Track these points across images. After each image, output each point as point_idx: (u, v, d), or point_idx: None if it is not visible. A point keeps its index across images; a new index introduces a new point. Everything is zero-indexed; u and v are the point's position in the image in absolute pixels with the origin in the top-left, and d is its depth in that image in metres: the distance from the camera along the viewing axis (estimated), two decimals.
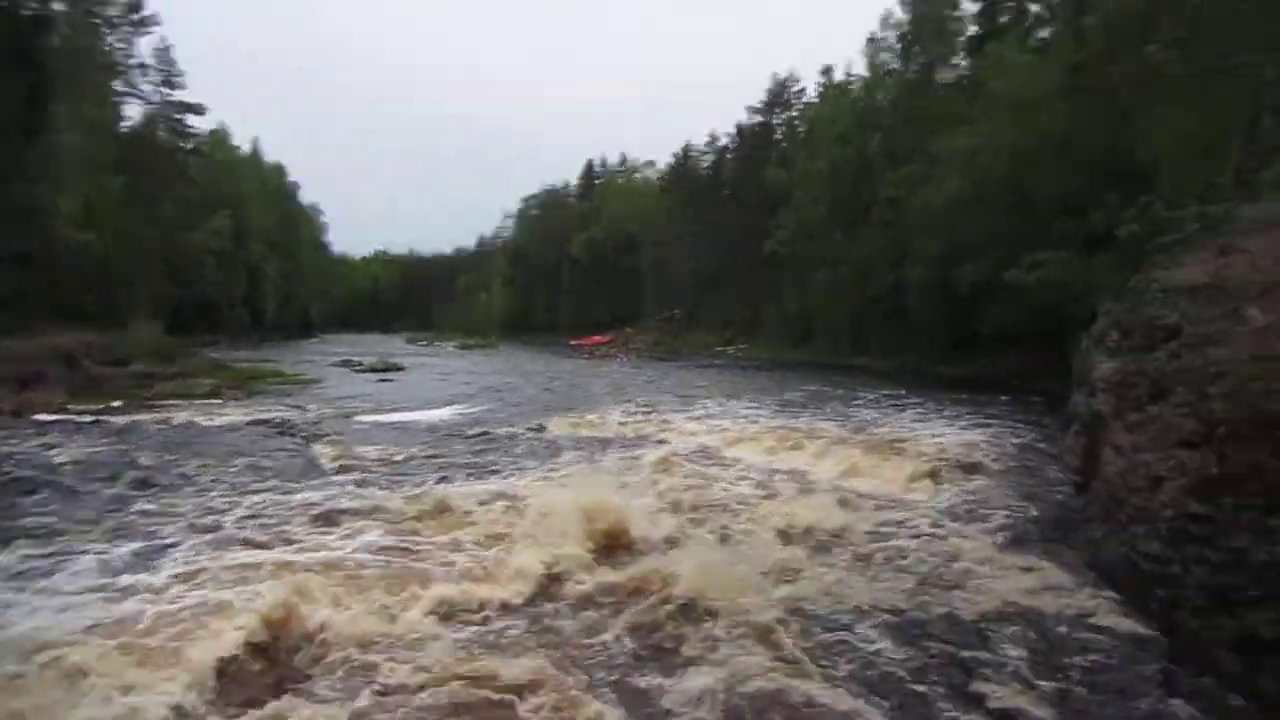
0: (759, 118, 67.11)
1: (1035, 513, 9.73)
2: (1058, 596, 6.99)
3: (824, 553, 8.50)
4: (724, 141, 72.05)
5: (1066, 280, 11.97)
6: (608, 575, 7.65)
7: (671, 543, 8.59)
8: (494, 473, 12.32)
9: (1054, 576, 7.42)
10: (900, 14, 44.64)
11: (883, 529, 9.33)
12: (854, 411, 19.44)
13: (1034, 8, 36.92)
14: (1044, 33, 34.21)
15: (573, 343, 65.66)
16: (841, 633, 6.50)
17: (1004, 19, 38.75)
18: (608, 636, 6.47)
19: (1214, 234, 7.39)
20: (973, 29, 41.11)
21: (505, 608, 6.98)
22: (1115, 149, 22.85)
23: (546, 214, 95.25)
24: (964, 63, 41.15)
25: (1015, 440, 14.73)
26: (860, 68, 49.67)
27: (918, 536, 9.00)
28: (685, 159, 75.57)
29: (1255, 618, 5.22)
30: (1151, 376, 6.30)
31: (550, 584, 7.47)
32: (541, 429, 17.08)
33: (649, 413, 19.60)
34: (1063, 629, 6.43)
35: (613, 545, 8.41)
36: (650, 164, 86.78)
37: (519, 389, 27.53)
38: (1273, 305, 5.53)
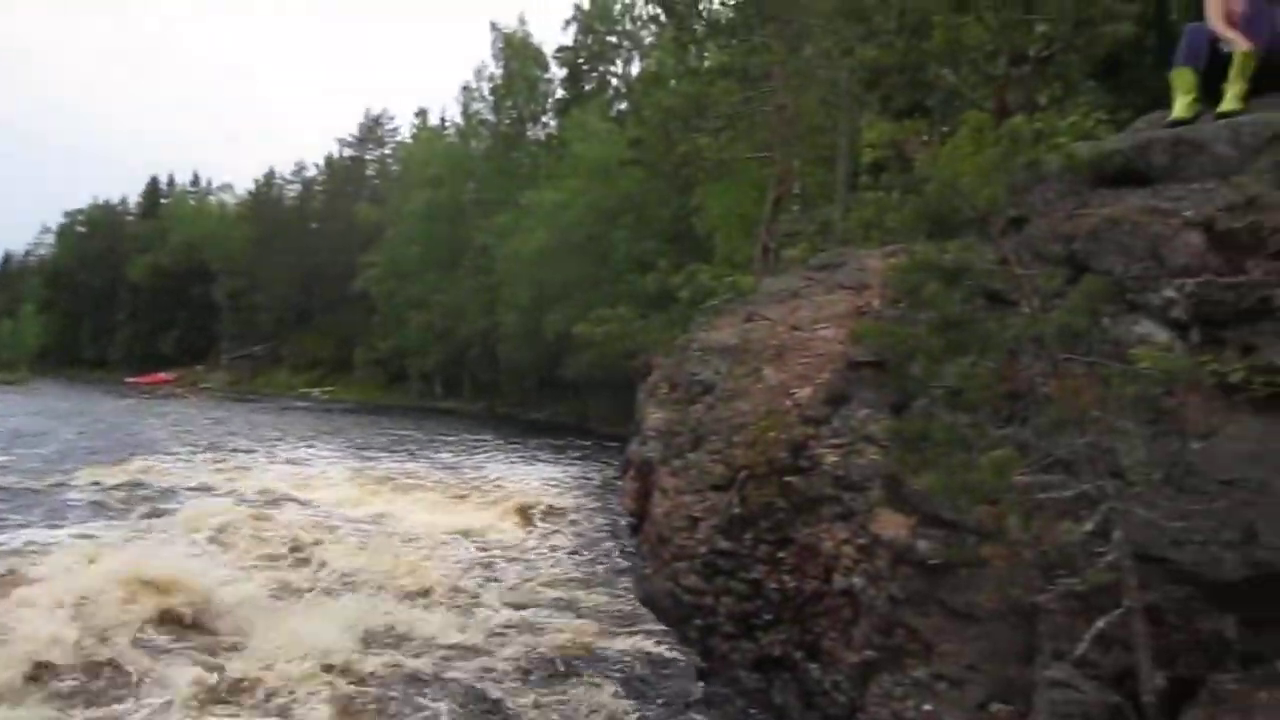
0: (351, 151, 65.14)
1: (601, 551, 10.37)
2: (614, 631, 7.46)
3: (404, 600, 8.20)
4: (312, 173, 68.65)
5: (627, 335, 13.20)
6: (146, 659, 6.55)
7: (235, 606, 7.64)
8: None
9: (613, 610, 7.93)
10: (494, 68, 46.31)
11: (460, 570, 9.29)
12: (440, 455, 19.33)
13: (614, 81, 40.81)
14: (623, 105, 37.74)
15: (130, 380, 57.37)
16: (412, 682, 6.29)
17: (588, 86, 42.22)
18: None
19: (743, 301, 8.52)
20: (561, 92, 44.17)
21: None
22: (679, 217, 25.79)
23: (98, 232, 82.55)
24: (553, 122, 43.87)
25: (591, 483, 15.69)
26: (456, 113, 50.54)
27: (493, 579, 9.10)
28: (269, 187, 70.54)
29: (769, 639, 5.97)
30: (691, 426, 7.00)
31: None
32: (71, 483, 14.41)
33: (210, 459, 17.59)
34: (617, 661, 6.87)
35: (166, 619, 7.23)
36: (227, 187, 79.39)
37: (54, 434, 23.11)
38: (783, 365, 6.45)
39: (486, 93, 46.60)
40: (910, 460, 3.68)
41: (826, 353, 5.95)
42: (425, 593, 8.44)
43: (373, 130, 64.68)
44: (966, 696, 4.00)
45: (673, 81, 19.00)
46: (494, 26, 45.63)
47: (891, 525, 4.52)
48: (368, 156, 65.01)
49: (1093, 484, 3.32)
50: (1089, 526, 3.26)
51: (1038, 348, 3.35)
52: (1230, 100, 5.16)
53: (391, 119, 64.31)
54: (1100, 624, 3.22)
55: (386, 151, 64.09)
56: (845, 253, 8.07)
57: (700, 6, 18.34)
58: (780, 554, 5.92)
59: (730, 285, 9.86)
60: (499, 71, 45.95)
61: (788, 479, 5.67)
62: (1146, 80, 9.11)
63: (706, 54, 18.44)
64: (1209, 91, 5.34)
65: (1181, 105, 5.32)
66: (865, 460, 4.98)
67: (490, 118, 46.70)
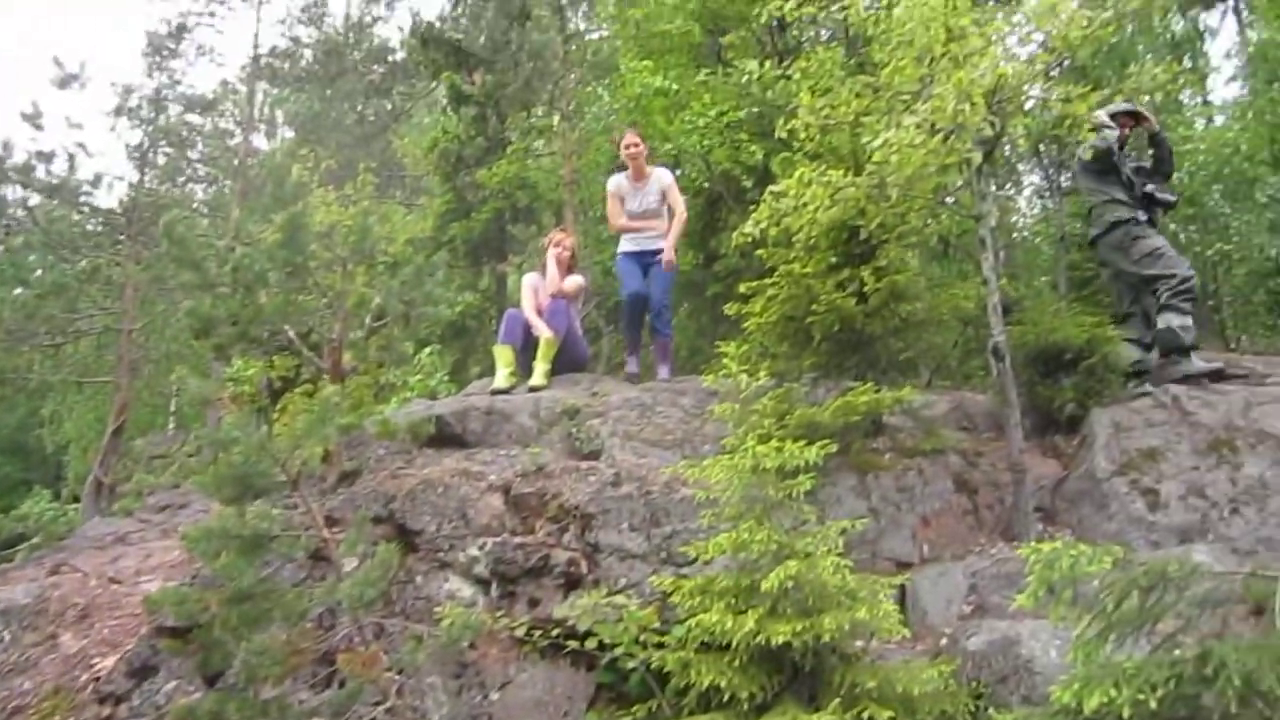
0: None
1: None
2: None
3: None
4: None
5: None
6: None
7: None
8: None
9: None
10: None
11: None
12: None
13: None
14: None
15: None
16: None
17: None
18: None
19: (53, 548, 7.14)
20: None
21: None
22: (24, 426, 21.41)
23: None
24: None
25: None
26: None
27: None
28: None
29: None
30: None
31: None
32: None
33: None
34: None
35: None
36: None
37: None
38: (87, 629, 5.44)
39: None
40: None
41: (145, 613, 5.20)
42: None
43: None
44: None
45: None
46: None
47: None
48: None
49: None
50: None
51: (348, 612, 3.34)
52: (537, 377, 6.18)
53: None
54: None
55: None
56: (191, 491, 7.40)
57: None
58: None
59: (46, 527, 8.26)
60: None
61: None
62: (489, 347, 10.58)
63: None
64: (526, 367, 6.35)
65: (501, 377, 6.20)
66: None
67: None
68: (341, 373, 4.55)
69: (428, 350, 7.83)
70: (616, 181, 6.91)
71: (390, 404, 6.94)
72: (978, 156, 4.38)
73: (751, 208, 5.50)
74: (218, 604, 2.89)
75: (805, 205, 5.01)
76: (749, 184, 9.90)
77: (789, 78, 6.78)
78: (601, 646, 3.58)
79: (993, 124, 4.27)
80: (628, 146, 6.72)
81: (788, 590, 3.24)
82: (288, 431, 3.21)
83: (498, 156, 10.41)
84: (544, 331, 6.33)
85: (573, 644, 3.61)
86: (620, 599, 3.56)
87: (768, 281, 5.39)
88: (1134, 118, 6.09)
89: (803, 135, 5.36)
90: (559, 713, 3.79)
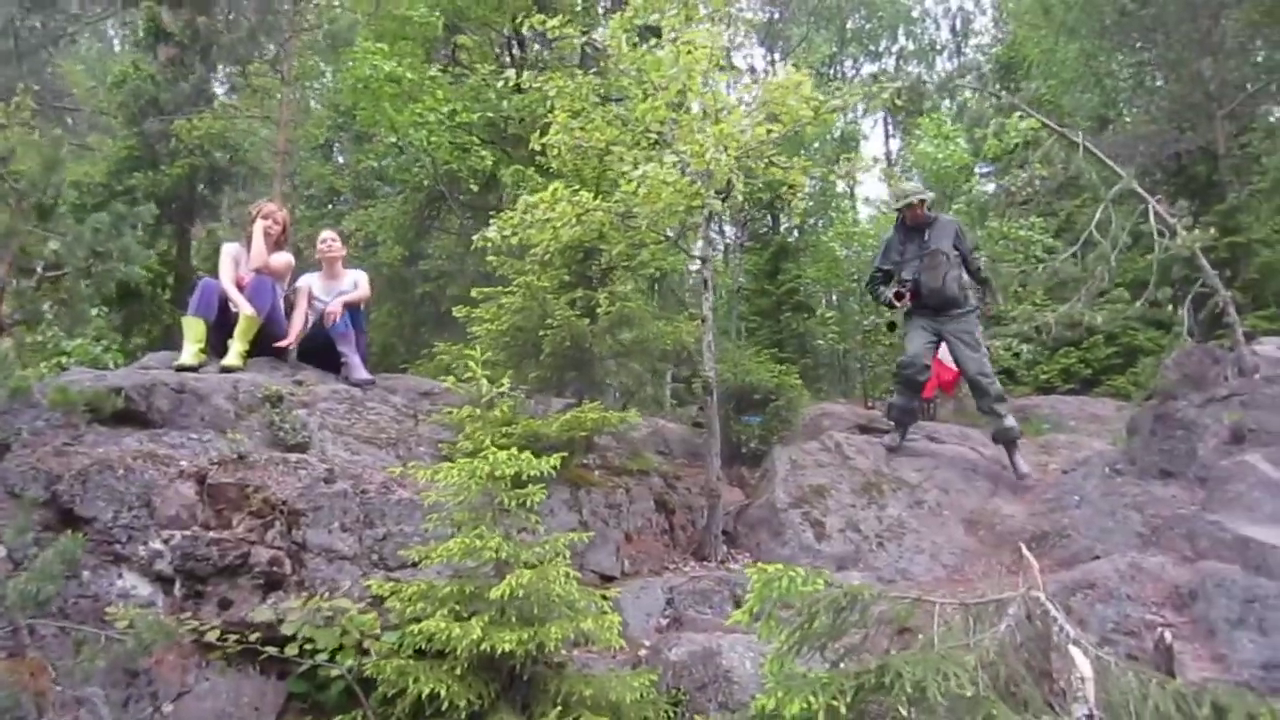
0: None
1: None
2: None
3: None
4: None
5: None
6: None
7: None
8: None
9: None
10: None
11: None
12: None
13: None
14: None
15: None
16: None
17: None
18: None
19: None
20: None
21: None
22: None
23: None
24: None
25: None
26: None
27: None
28: None
29: None
30: None
31: None
32: None
33: None
34: None
35: None
36: None
37: None
38: None
39: None
40: None
41: None
42: None
43: None
44: None
45: None
46: None
47: None
48: None
49: None
50: None
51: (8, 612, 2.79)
52: (232, 357, 5.61)
53: None
54: None
55: None
56: None
57: None
58: None
59: None
60: None
61: None
62: (161, 315, 9.39)
63: None
64: (218, 345, 5.72)
65: (190, 353, 5.54)
66: None
67: None
68: (1, 325, 3.82)
69: (95, 312, 6.78)
70: (308, 280, 6.38)
71: (38, 369, 5.93)
72: (717, 204, 4.75)
73: (479, 213, 5.50)
74: None
75: (550, 220, 5.10)
76: (475, 188, 9.83)
77: (523, 90, 6.85)
78: (301, 653, 3.34)
79: (735, 176, 4.66)
80: (325, 241, 6.29)
81: (514, 599, 3.24)
82: None
83: (199, 109, 9.34)
84: (245, 308, 5.78)
85: (271, 650, 3.32)
86: (343, 602, 3.33)
87: (502, 290, 5.40)
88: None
89: (553, 153, 5.46)
90: None
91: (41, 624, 3.01)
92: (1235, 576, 3.83)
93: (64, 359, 6.17)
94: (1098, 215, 5.82)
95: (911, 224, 6.23)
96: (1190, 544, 4.39)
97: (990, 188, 14.01)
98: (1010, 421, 6.12)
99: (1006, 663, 2.94)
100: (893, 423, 6.61)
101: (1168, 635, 3.66)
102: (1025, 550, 3.53)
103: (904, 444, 6.55)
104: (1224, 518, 4.38)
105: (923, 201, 6.23)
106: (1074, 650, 2.91)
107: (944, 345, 6.28)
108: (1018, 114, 6.38)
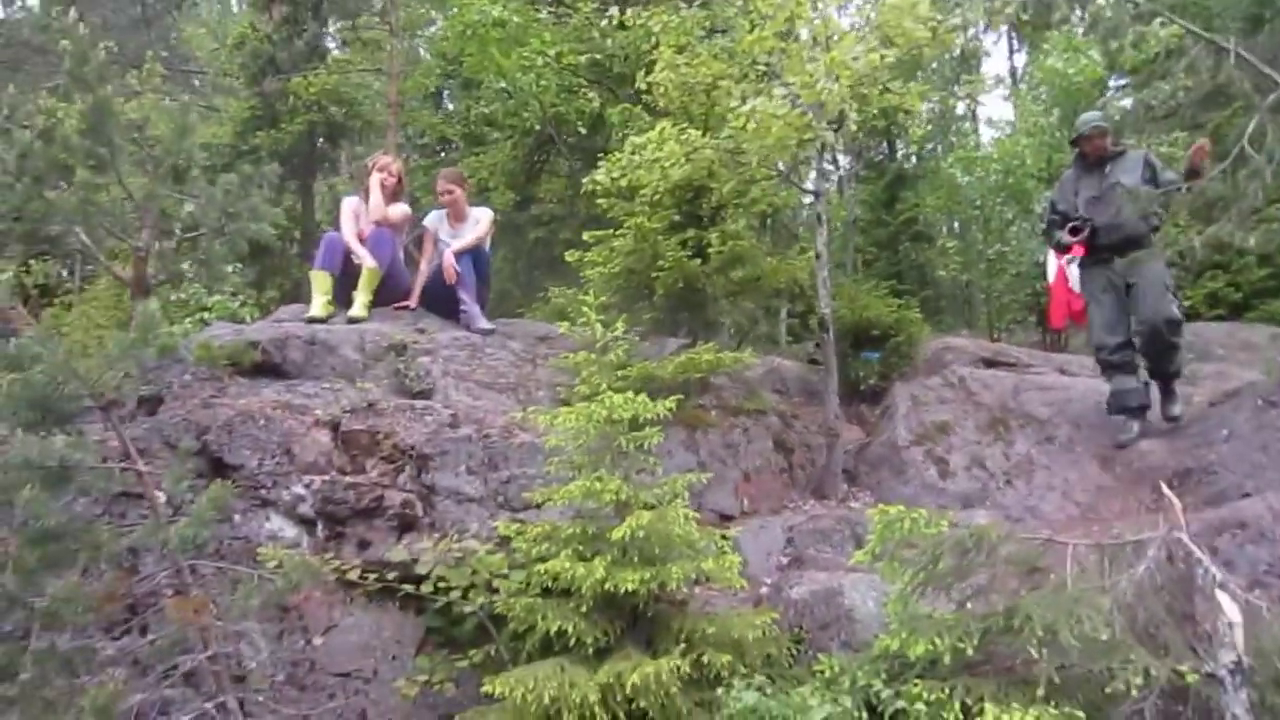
0: None
1: None
2: None
3: None
4: None
5: None
6: None
7: None
8: None
9: None
10: None
11: None
12: None
13: None
14: None
15: None
16: None
17: None
18: None
19: None
20: None
21: None
22: None
23: None
24: None
25: None
26: None
27: None
28: None
29: None
30: None
31: None
32: None
33: None
34: None
35: None
36: None
37: None
38: None
39: None
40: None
41: None
42: None
43: None
44: None
45: None
46: None
47: None
48: None
49: (213, 699, 3.07)
50: None
51: (161, 554, 3.03)
52: (357, 308, 5.83)
53: None
54: None
55: None
56: None
57: None
58: None
59: None
60: None
61: None
62: (290, 269, 9.85)
63: None
64: (343, 296, 5.96)
65: (318, 305, 5.79)
66: None
67: None
68: (146, 286, 4.06)
69: (230, 269, 7.16)
70: (435, 221, 6.43)
71: (183, 325, 6.31)
72: (830, 135, 4.57)
73: (588, 155, 5.46)
74: (17, 544, 2.51)
75: (658, 161, 5.03)
76: (583, 130, 9.79)
77: (627, 28, 6.68)
78: (435, 591, 3.49)
79: (848, 106, 4.46)
80: (442, 193, 6.28)
81: (635, 539, 3.29)
82: (84, 349, 2.82)
83: (314, 66, 9.60)
84: (367, 260, 5.97)
85: (407, 588, 3.50)
86: (472, 543, 3.47)
87: (613, 232, 5.39)
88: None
89: (659, 91, 5.36)
90: (386, 657, 3.66)
91: (201, 564, 3.24)
92: None
93: (206, 314, 6.56)
94: (1250, 127, 5.27)
95: (1091, 157, 5.34)
96: None
97: (1127, 103, 13.00)
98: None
99: (1145, 606, 2.80)
100: (1116, 414, 5.46)
101: None
102: (1166, 488, 3.34)
103: (1123, 404, 5.35)
104: None
105: (1103, 131, 5.29)
106: (1220, 594, 2.74)
107: (1075, 267, 5.71)
108: (1158, 20, 5.80)
